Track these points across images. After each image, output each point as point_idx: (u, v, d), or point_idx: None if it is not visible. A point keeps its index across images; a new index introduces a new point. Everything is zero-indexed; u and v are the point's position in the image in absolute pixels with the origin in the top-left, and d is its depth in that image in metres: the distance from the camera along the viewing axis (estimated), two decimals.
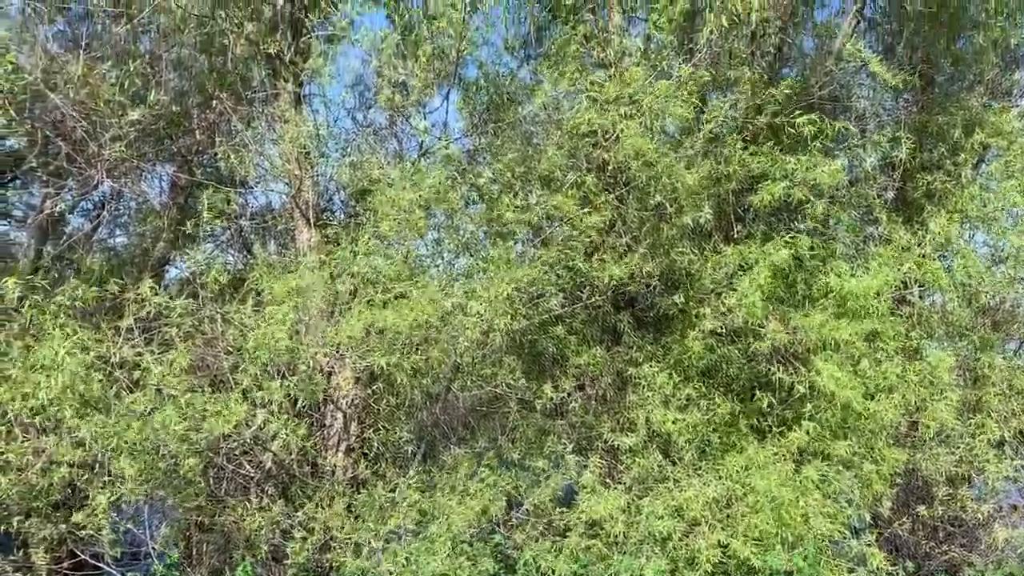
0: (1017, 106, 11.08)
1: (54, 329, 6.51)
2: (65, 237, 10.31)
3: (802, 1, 9.57)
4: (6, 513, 7.81)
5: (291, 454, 8.56)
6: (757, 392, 9.21)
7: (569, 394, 9.84)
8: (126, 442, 6.22)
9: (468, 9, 8.43)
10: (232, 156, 8.56)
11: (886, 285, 8.68)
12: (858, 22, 10.17)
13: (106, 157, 8.23)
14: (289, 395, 7.55)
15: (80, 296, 6.84)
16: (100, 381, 6.57)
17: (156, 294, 7.24)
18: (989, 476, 9.40)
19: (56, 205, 9.51)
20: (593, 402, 10.72)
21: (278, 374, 7.37)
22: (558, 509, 8.59)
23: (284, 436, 7.18)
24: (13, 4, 8.22)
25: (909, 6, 9.50)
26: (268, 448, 8.28)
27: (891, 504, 9.07)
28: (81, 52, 7.85)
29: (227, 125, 10.76)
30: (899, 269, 8.92)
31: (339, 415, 9.69)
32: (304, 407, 9.00)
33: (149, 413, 6.50)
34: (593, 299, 9.66)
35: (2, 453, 6.97)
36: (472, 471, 8.18)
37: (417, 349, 7.84)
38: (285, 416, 7.85)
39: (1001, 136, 9.94)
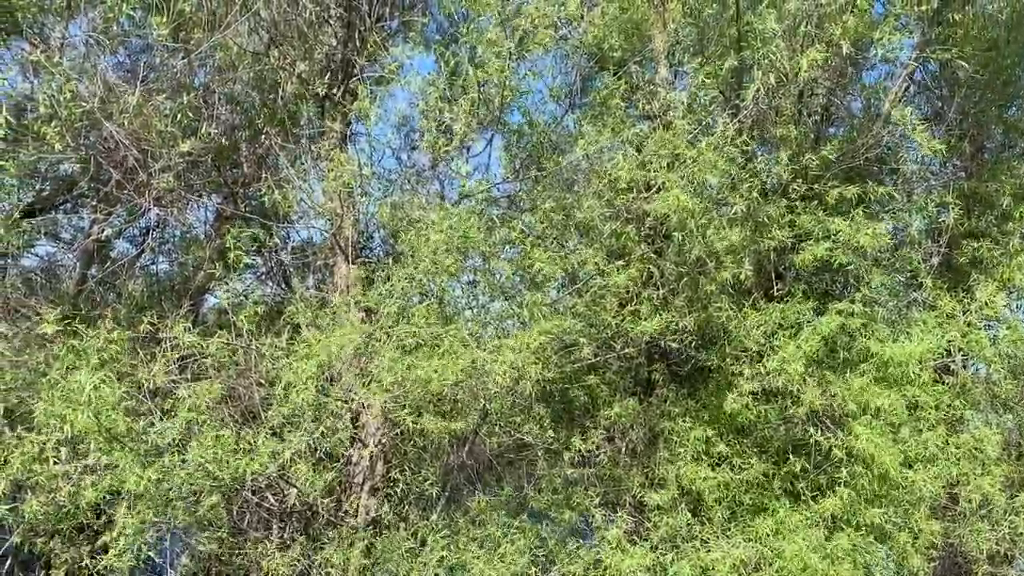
0: None
1: (85, 363, 6.56)
2: (109, 262, 10.50)
3: (851, 62, 9.52)
4: (32, 533, 7.86)
5: (315, 491, 8.51)
6: (791, 454, 9.00)
7: (598, 446, 9.71)
8: (146, 480, 6.22)
9: (514, 57, 8.52)
10: (276, 191, 8.68)
11: (929, 352, 8.47)
12: (908, 86, 10.11)
13: (155, 186, 8.39)
14: (312, 445, 7.53)
15: (114, 337, 6.90)
16: (129, 414, 6.60)
17: (187, 332, 7.28)
18: None
19: (103, 231, 9.70)
20: (623, 455, 10.56)
21: (308, 414, 7.35)
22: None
23: (309, 476, 7.13)
24: (77, 36, 8.50)
25: (960, 72, 9.39)
26: (293, 484, 8.25)
27: None
28: (138, 83, 8.06)
29: (274, 160, 10.96)
30: (943, 337, 8.71)
31: (366, 454, 9.65)
32: (333, 448, 8.98)
33: (178, 447, 6.51)
34: (626, 351, 9.56)
35: (34, 476, 7.01)
36: (500, 525, 8.04)
37: (446, 398, 7.78)
38: (311, 455, 7.83)
39: None
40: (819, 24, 8.52)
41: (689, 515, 9.10)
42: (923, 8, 8.69)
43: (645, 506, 9.79)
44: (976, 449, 8.52)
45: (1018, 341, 9.01)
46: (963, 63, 9.10)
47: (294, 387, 7.00)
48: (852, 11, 8.15)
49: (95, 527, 7.49)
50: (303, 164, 9.92)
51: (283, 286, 10.74)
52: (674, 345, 9.79)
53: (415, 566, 7.78)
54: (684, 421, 9.53)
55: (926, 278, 9.50)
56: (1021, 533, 8.93)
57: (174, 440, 6.61)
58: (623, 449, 10.66)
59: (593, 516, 9.26)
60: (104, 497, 6.68)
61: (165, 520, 6.87)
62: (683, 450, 9.27)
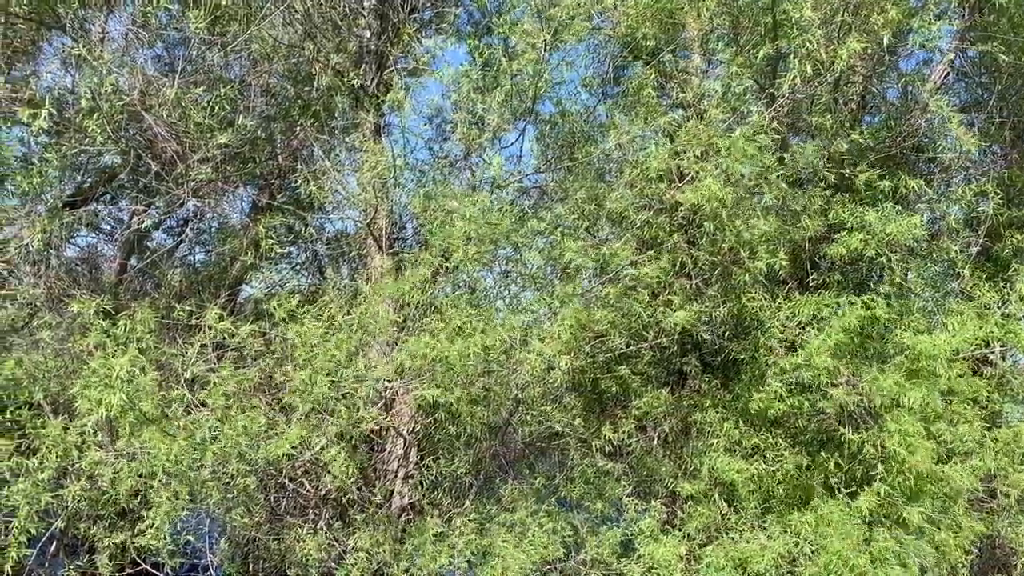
0: None
1: (118, 347, 6.70)
2: (148, 252, 10.69)
3: (888, 50, 9.37)
4: (76, 518, 8.06)
5: (350, 478, 8.63)
6: (824, 448, 8.94)
7: (630, 436, 9.71)
8: (179, 463, 6.36)
9: (548, 47, 8.51)
10: (311, 182, 8.77)
11: (965, 344, 8.35)
12: (947, 73, 9.94)
13: (193, 177, 8.53)
14: (345, 431, 7.63)
15: (145, 321, 7.04)
16: (162, 399, 6.74)
17: (222, 320, 7.40)
18: None
19: (143, 222, 9.88)
20: (655, 445, 10.55)
21: (342, 397, 7.45)
22: (615, 558, 8.41)
23: (342, 462, 7.23)
24: (116, 30, 8.64)
25: (1001, 58, 9.20)
26: (328, 470, 8.36)
27: (967, 574, 8.64)
28: (176, 76, 8.19)
29: (308, 152, 11.08)
30: (981, 328, 8.57)
31: (399, 441, 9.75)
32: (364, 433, 9.09)
33: (213, 434, 6.64)
34: (658, 341, 9.54)
35: (75, 463, 7.19)
36: (530, 511, 8.08)
37: (477, 382, 7.84)
38: (344, 442, 7.93)
39: None
40: (856, 12, 8.40)
41: (724, 506, 9.09)
42: None
43: (678, 496, 9.79)
44: (1014, 442, 8.39)
45: None
46: (1003, 51, 8.90)
47: (325, 372, 7.08)
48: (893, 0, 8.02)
49: (137, 511, 7.65)
50: (337, 155, 10.01)
51: (318, 276, 10.87)
52: (706, 336, 9.76)
53: (443, 549, 7.86)
54: (716, 412, 9.50)
55: (964, 268, 9.36)
56: None
57: (207, 423, 6.74)
58: (655, 439, 10.65)
59: (626, 506, 9.27)
60: (144, 482, 6.83)
61: (199, 498, 7.01)
62: (716, 441, 9.24)
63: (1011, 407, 9.20)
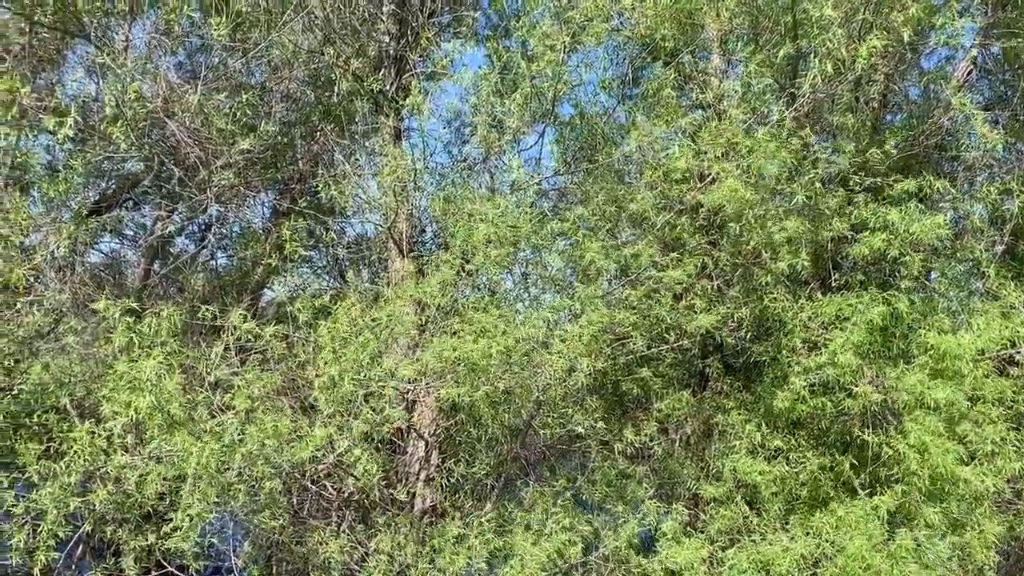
0: None
1: (142, 350, 6.77)
2: (172, 258, 10.79)
3: (910, 48, 9.30)
4: (102, 521, 8.14)
5: (372, 480, 8.67)
6: (847, 449, 8.88)
7: (652, 438, 9.69)
8: (207, 466, 6.41)
9: (566, 49, 8.52)
10: (332, 186, 8.83)
11: (991, 344, 8.26)
12: (970, 71, 9.84)
13: (216, 183, 8.61)
14: (367, 434, 7.67)
15: (167, 320, 7.10)
16: (187, 402, 6.80)
17: (246, 321, 7.45)
18: None
19: (166, 227, 9.98)
20: (677, 448, 10.53)
21: (366, 398, 7.49)
22: (637, 557, 8.39)
23: (364, 464, 7.26)
24: (140, 37, 8.75)
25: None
26: (351, 473, 8.40)
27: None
28: (199, 83, 8.27)
29: (329, 156, 11.15)
30: (1006, 328, 8.47)
31: (421, 444, 9.79)
32: (387, 434, 9.13)
33: (239, 436, 6.69)
34: (680, 343, 9.51)
35: (102, 466, 7.27)
36: (548, 510, 8.08)
37: (499, 383, 7.85)
38: (365, 444, 7.97)
39: None
40: (877, 11, 8.34)
41: (746, 508, 9.05)
42: None
43: (700, 499, 9.75)
44: None
45: None
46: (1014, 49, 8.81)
47: (348, 374, 7.12)
48: None
49: (162, 514, 7.73)
50: (358, 160, 10.06)
51: (339, 279, 10.93)
52: (729, 338, 9.72)
53: (462, 551, 7.87)
54: (739, 414, 9.46)
55: (989, 268, 9.25)
56: None
57: (233, 426, 6.79)
58: (677, 442, 10.63)
59: (647, 508, 9.25)
60: (170, 486, 6.90)
61: (226, 502, 7.06)
62: (738, 443, 9.20)
63: None
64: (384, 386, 7.25)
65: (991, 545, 7.87)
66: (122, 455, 7.40)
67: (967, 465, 7.86)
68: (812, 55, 8.32)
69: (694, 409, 10.04)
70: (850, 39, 8.36)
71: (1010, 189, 9.23)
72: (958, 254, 9.58)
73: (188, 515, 6.54)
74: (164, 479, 7.17)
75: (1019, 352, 9.19)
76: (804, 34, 8.51)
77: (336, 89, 9.48)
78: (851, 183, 8.87)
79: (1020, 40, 8.87)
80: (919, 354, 8.51)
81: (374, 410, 7.73)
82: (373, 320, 7.37)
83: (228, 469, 6.65)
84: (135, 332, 7.02)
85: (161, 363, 6.64)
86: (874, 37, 7.89)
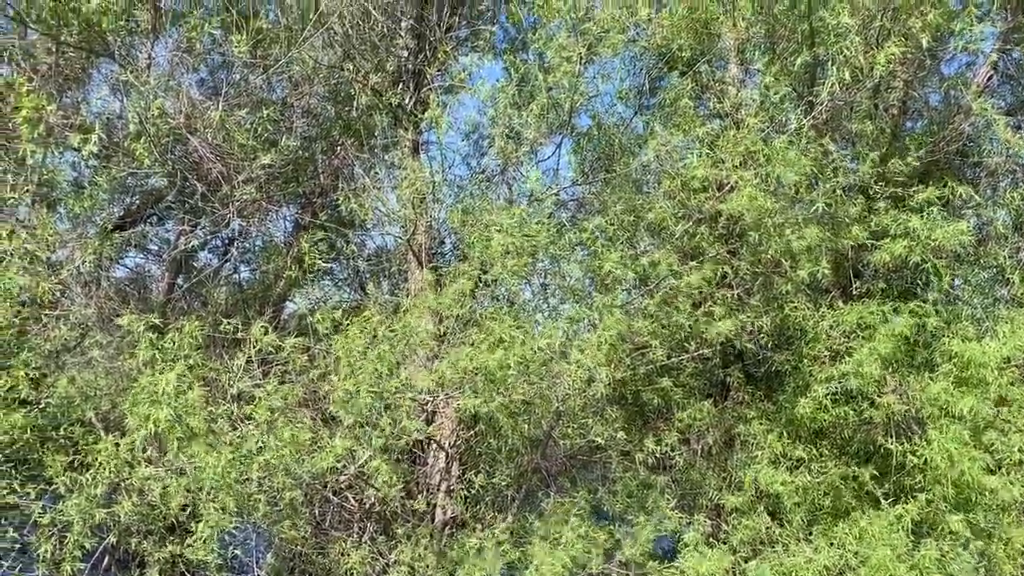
0: None
1: (165, 363, 6.87)
2: (195, 272, 10.93)
3: (929, 55, 9.25)
4: (127, 533, 8.25)
5: (393, 491, 8.71)
6: (872, 458, 8.79)
7: (673, 448, 9.65)
8: (226, 476, 6.47)
9: (583, 61, 8.56)
10: (351, 199, 8.92)
11: (1017, 351, 8.16)
12: (991, 76, 9.76)
13: (238, 198, 8.72)
14: (388, 446, 7.71)
15: (193, 334, 7.20)
16: (209, 414, 6.87)
17: (266, 334, 7.54)
18: None
19: (189, 242, 10.11)
20: (698, 458, 10.46)
21: (385, 409, 7.53)
22: (657, 565, 8.34)
23: (385, 474, 7.30)
24: (163, 55, 8.91)
25: None
26: (372, 484, 8.44)
27: None
28: (220, 99, 8.40)
29: (349, 170, 11.25)
30: None
31: (441, 455, 9.81)
32: (408, 445, 9.17)
33: (258, 447, 6.75)
34: (700, 352, 9.48)
35: (127, 479, 7.37)
36: (565, 520, 8.07)
37: (517, 393, 7.86)
38: (386, 455, 8.01)
39: None
40: (895, 17, 8.30)
41: (768, 518, 8.98)
42: None
43: (722, 509, 9.69)
44: None
45: None
46: None
47: (363, 386, 7.17)
48: (931, 2, 7.92)
49: (185, 525, 7.81)
50: (377, 173, 10.16)
51: (359, 291, 11.01)
52: (750, 346, 9.67)
53: (480, 564, 7.88)
54: (761, 424, 9.40)
55: (1013, 274, 9.15)
56: None
57: (252, 437, 6.86)
58: (699, 452, 10.56)
59: (669, 518, 9.20)
60: (193, 497, 6.97)
61: (246, 512, 7.12)
62: (760, 453, 9.14)
63: None
64: (402, 397, 7.27)
65: (1018, 555, 7.75)
66: (146, 467, 7.51)
67: (993, 474, 7.76)
68: (829, 62, 8.30)
69: (715, 419, 9.98)
70: (868, 46, 8.33)
71: None
72: (981, 260, 9.48)
73: (208, 526, 6.60)
74: (187, 491, 7.27)
75: None
76: (821, 42, 8.49)
77: (355, 104, 9.59)
78: (871, 191, 8.82)
79: None
80: (943, 362, 8.42)
81: (393, 421, 7.77)
82: (391, 332, 7.41)
83: (247, 480, 6.71)
84: (157, 347, 7.13)
85: (182, 376, 6.74)
86: (892, 44, 7.87)
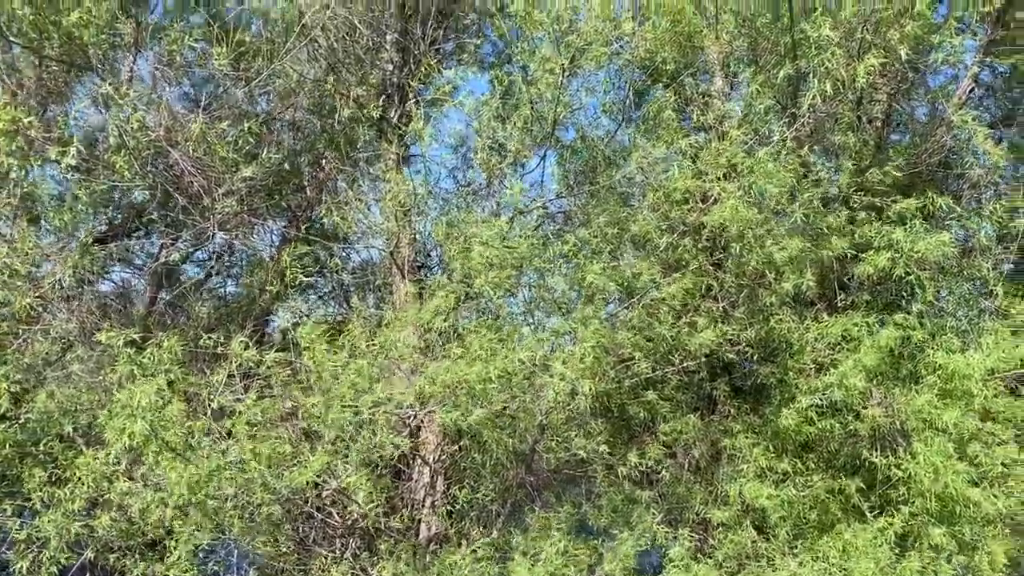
0: None
1: (145, 377, 6.80)
2: (178, 285, 10.86)
3: (912, 67, 9.29)
4: (106, 549, 8.14)
5: (376, 506, 8.64)
6: (856, 472, 8.76)
7: (659, 462, 9.59)
8: (198, 492, 6.40)
9: (567, 73, 8.56)
10: (335, 213, 8.88)
11: (1001, 363, 8.16)
12: (972, 88, 9.80)
13: (219, 211, 8.67)
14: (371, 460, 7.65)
15: (172, 350, 7.14)
16: (186, 428, 6.80)
17: (247, 348, 7.48)
18: None
19: (171, 255, 10.05)
20: (685, 472, 10.40)
21: (364, 424, 7.47)
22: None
23: (364, 490, 7.23)
24: (144, 69, 8.89)
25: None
26: (354, 500, 8.36)
27: None
28: (200, 112, 8.37)
29: (335, 184, 11.23)
30: (1017, 347, 8.36)
31: (426, 470, 9.74)
32: (391, 460, 9.10)
33: (235, 462, 6.68)
34: (686, 365, 9.43)
35: (105, 494, 7.28)
36: (546, 535, 8.00)
37: (499, 406, 7.81)
38: (368, 470, 7.94)
39: None
40: (876, 30, 8.33)
41: (754, 533, 8.92)
42: (986, 9, 8.44)
43: (709, 523, 9.61)
44: None
45: None
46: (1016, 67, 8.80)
47: (346, 399, 7.12)
48: (911, 15, 7.95)
49: (165, 542, 7.72)
50: (361, 186, 10.13)
51: (344, 305, 10.96)
52: (734, 358, 9.63)
53: None
54: (747, 437, 9.34)
55: (997, 286, 9.15)
56: None
57: (226, 452, 6.79)
58: (686, 466, 10.49)
59: (654, 533, 9.14)
60: (172, 513, 6.89)
61: (221, 528, 7.04)
62: (746, 467, 9.09)
63: None
64: (379, 412, 7.21)
65: (1000, 568, 7.71)
66: (124, 482, 7.42)
67: (977, 487, 7.73)
68: (811, 75, 8.31)
69: (701, 433, 9.92)
70: (849, 58, 8.35)
71: (1017, 207, 9.15)
72: (965, 272, 9.48)
73: (181, 542, 6.52)
74: (164, 506, 7.19)
75: None
76: (803, 54, 8.51)
77: (338, 117, 9.57)
78: (853, 202, 8.83)
79: (1020, 57, 8.82)
80: (928, 374, 8.41)
81: (372, 436, 7.71)
82: (369, 346, 7.36)
83: (222, 495, 6.64)
84: (136, 362, 7.07)
85: (160, 390, 6.67)
86: (872, 56, 7.89)
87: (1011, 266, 9.79)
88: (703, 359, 9.45)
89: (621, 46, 9.47)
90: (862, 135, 9.36)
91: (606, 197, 9.70)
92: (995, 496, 7.74)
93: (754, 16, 9.29)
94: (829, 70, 8.18)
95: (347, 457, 7.68)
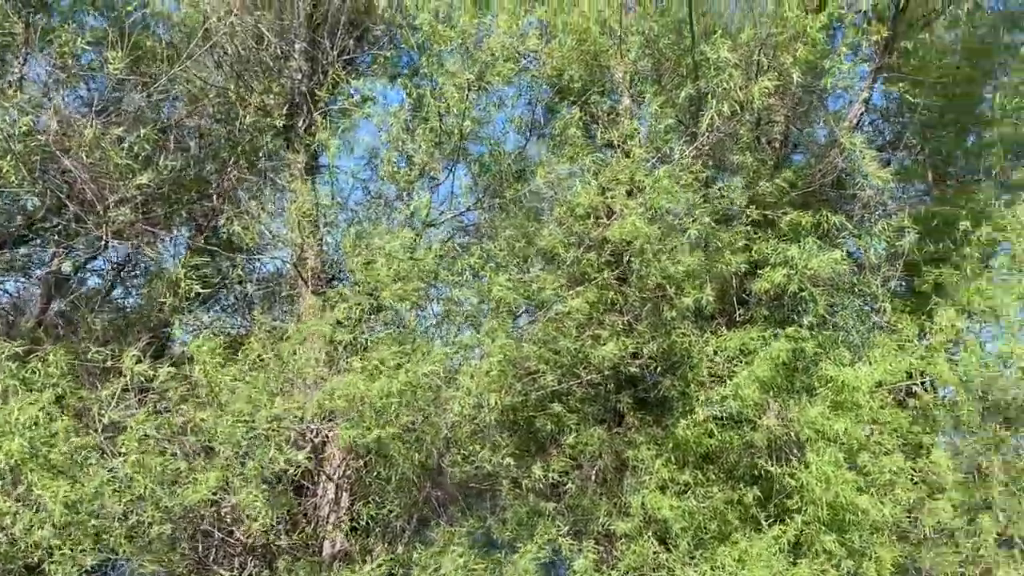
0: None
1: (30, 392, 6.51)
2: (71, 296, 10.44)
3: (809, 91, 9.68)
4: None
5: (276, 524, 8.45)
6: (753, 482, 8.98)
7: (567, 474, 9.66)
8: (76, 510, 6.15)
9: (474, 88, 8.59)
10: (236, 223, 8.69)
11: (890, 376, 8.51)
12: (862, 112, 10.23)
13: (112, 219, 8.37)
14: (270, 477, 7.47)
15: (58, 364, 6.85)
16: (71, 445, 6.53)
17: (139, 362, 7.23)
18: None
19: (62, 264, 9.66)
20: (592, 484, 10.49)
21: (261, 440, 7.28)
22: None
23: (263, 507, 7.05)
24: (37, 72, 8.55)
25: (907, 98, 9.57)
26: (253, 517, 8.15)
27: None
28: (93, 116, 8.08)
29: (238, 193, 10.97)
30: (903, 361, 8.75)
31: (331, 486, 9.59)
32: (295, 476, 8.91)
33: (123, 479, 6.44)
34: (590, 378, 9.54)
35: None
36: (447, 550, 7.96)
37: (403, 421, 7.73)
38: (268, 486, 7.76)
39: (1010, 231, 9.86)
40: (772, 54, 8.64)
41: (656, 544, 9.04)
42: (874, 38, 8.85)
43: (613, 535, 9.71)
44: (933, 473, 8.53)
45: (977, 366, 9.03)
46: (909, 92, 9.28)
47: (242, 414, 6.95)
48: (803, 41, 8.27)
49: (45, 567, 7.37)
50: (266, 196, 9.95)
51: (246, 318, 10.71)
52: (636, 371, 9.78)
53: None
54: (650, 449, 9.49)
55: (885, 303, 9.56)
56: (983, 555, 8.90)
57: (113, 469, 6.55)
58: (592, 478, 10.59)
59: (560, 546, 9.19)
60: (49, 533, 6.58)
61: (108, 549, 6.77)
62: (648, 478, 9.22)
63: (932, 438, 9.32)
64: (275, 427, 7.06)
65: (887, 573, 8.00)
66: (3, 501, 7.07)
67: (865, 495, 8.03)
68: (710, 96, 8.56)
69: (607, 445, 10.03)
70: (747, 80, 8.62)
71: (904, 227, 9.59)
72: (856, 289, 9.88)
73: (61, 564, 6.24)
74: (53, 525, 6.87)
75: (917, 385, 9.48)
76: (703, 75, 8.75)
77: (240, 124, 9.37)
78: (751, 219, 9.11)
79: (902, 85, 9.28)
80: (820, 387, 8.71)
81: (265, 450, 7.54)
82: (267, 359, 7.21)
83: (103, 515, 6.38)
84: (18, 377, 6.76)
85: (45, 406, 6.40)
86: (766, 78, 8.18)
87: (897, 283, 10.26)
88: (607, 372, 9.58)
89: (529, 62, 9.58)
90: (760, 155, 9.67)
91: (514, 211, 9.77)
92: (882, 504, 8.04)
93: (657, 37, 9.52)
94: (727, 91, 8.44)
95: (242, 473, 7.47)
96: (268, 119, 9.41)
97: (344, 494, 9.81)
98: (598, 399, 10.83)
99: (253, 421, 6.89)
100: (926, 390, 9.44)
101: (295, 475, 8.92)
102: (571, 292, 8.84)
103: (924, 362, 9.00)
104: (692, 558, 8.71)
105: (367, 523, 8.99)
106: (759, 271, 9.01)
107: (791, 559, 8.07)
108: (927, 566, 9.14)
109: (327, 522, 9.63)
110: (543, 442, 10.67)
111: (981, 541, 8.92)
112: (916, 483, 8.49)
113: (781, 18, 8.39)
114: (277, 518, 8.36)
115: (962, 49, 11.51)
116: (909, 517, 8.59)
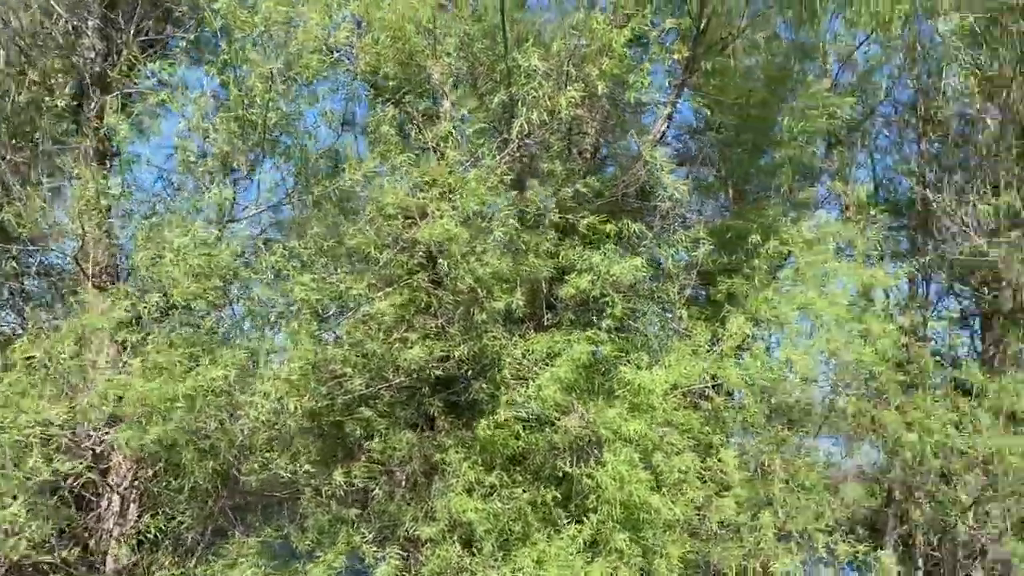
0: (812, 218, 11.94)
1: None
2: None
3: (615, 104, 10.06)
4: None
5: (50, 540, 7.77)
6: (560, 482, 9.16)
7: (374, 479, 9.48)
8: None
9: (280, 78, 8.25)
10: (8, 210, 7.89)
11: (682, 379, 8.93)
12: (666, 127, 10.72)
13: None
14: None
15: None
16: None
17: None
18: (777, 570, 9.64)
19: None
20: (400, 489, 10.35)
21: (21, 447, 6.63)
22: None
23: (21, 521, 6.43)
24: None
25: (706, 113, 10.15)
26: (17, 533, 7.44)
27: None
28: None
29: (23, 178, 10.02)
30: (695, 365, 9.21)
31: (115, 498, 8.96)
32: (75, 488, 8.26)
33: None
34: (399, 381, 9.41)
35: None
36: (239, 562, 7.60)
37: (191, 427, 7.30)
38: (38, 499, 7.12)
39: (793, 244, 10.64)
40: (580, 65, 8.86)
41: (459, 547, 9.02)
42: (676, 56, 9.30)
43: (419, 540, 9.61)
44: (722, 471, 9.04)
45: (760, 370, 9.65)
46: (708, 111, 9.83)
47: (7, 419, 6.31)
48: (608, 54, 8.54)
49: None
50: (44, 182, 9.12)
51: (18, 314, 9.80)
52: (453, 374, 9.76)
53: None
54: (458, 452, 9.47)
55: (681, 309, 10.05)
56: (763, 549, 9.50)
57: None
58: (402, 483, 10.45)
59: (364, 553, 9.01)
60: None
61: None
62: (455, 481, 9.20)
63: (723, 439, 9.87)
64: (40, 433, 6.46)
65: (675, 569, 8.36)
66: None
67: (658, 493, 8.36)
68: (520, 103, 8.67)
69: (416, 449, 9.93)
70: (557, 89, 8.79)
71: (699, 238, 10.14)
72: (655, 295, 10.33)
73: None
74: None
75: (709, 388, 10.02)
76: (515, 82, 8.85)
77: (11, 100, 8.55)
78: (560, 226, 9.32)
79: (703, 102, 9.81)
80: (619, 389, 9.01)
81: (46, 459, 6.91)
82: (29, 360, 6.59)
83: None
84: None
85: None
86: (573, 88, 8.38)
87: (694, 292, 10.83)
88: (417, 375, 9.49)
89: (342, 56, 9.33)
90: (571, 164, 9.91)
91: (327, 208, 9.48)
92: (672, 502, 8.40)
93: (472, 40, 9.55)
94: (537, 99, 8.58)
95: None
96: (49, 98, 8.62)
97: (132, 505, 9.22)
98: (410, 403, 10.72)
99: (7, 426, 6.25)
100: (718, 393, 9.98)
101: (74, 486, 8.29)
102: (380, 294, 8.67)
103: (716, 366, 9.51)
104: (496, 560, 8.74)
105: (155, 536, 8.47)
106: (566, 276, 9.21)
107: (588, 558, 8.27)
108: (715, 560, 9.64)
109: (111, 536, 9.02)
110: (351, 448, 10.42)
111: (762, 535, 9.51)
112: (705, 481, 8.93)
113: (590, 30, 8.61)
114: (51, 533, 7.72)
115: (763, 75, 12.33)
116: (699, 514, 9.01)
